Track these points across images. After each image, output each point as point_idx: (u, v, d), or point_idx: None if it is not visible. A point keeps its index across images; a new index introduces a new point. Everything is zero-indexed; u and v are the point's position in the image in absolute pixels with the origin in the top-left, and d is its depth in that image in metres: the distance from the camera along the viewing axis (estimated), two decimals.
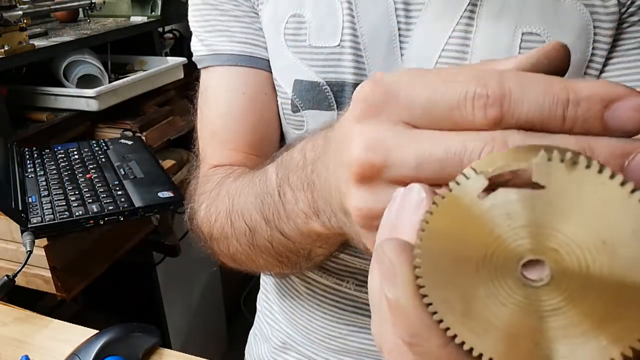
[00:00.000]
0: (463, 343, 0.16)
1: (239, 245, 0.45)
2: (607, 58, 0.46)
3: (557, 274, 0.15)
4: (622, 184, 0.15)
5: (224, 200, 0.46)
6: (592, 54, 0.46)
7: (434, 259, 0.16)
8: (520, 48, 0.45)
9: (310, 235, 0.35)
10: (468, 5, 0.46)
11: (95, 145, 1.13)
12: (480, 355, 0.16)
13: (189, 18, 0.57)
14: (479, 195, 0.15)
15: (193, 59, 0.58)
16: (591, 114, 0.18)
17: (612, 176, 0.15)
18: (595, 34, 0.45)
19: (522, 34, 0.45)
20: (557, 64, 0.21)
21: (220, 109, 0.55)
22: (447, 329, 0.16)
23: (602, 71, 0.47)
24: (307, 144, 0.33)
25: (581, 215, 0.15)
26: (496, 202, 0.15)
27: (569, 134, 0.19)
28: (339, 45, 0.49)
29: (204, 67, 0.56)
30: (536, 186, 0.15)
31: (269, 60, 0.54)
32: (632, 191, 0.14)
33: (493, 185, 0.15)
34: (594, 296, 0.15)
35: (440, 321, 0.16)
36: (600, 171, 0.15)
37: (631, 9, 0.44)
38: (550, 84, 0.19)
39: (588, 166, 0.15)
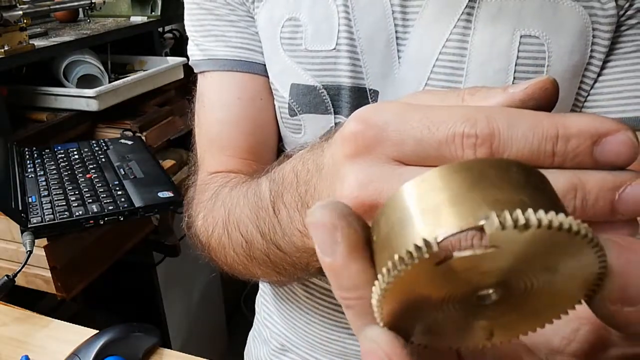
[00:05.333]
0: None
1: (236, 256, 0.45)
2: (605, 61, 0.46)
3: (505, 294, 0.16)
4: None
5: (220, 211, 0.46)
6: (591, 57, 0.46)
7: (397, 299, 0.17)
8: (518, 51, 0.45)
9: (307, 251, 0.35)
10: (465, 8, 0.46)
11: (95, 145, 1.13)
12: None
13: (185, 22, 0.57)
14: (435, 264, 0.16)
15: (189, 63, 0.58)
16: (581, 150, 0.18)
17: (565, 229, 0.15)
18: (594, 37, 0.45)
19: (521, 36, 0.45)
20: (548, 99, 0.21)
21: (216, 115, 0.55)
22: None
23: (599, 74, 0.47)
24: (298, 163, 0.33)
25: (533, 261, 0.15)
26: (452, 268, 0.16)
27: (559, 169, 0.19)
28: (335, 49, 0.48)
29: (201, 72, 0.56)
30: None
31: (264, 65, 0.54)
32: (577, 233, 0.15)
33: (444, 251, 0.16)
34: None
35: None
36: (549, 227, 0.15)
37: (629, 12, 0.44)
38: (538, 121, 0.19)
39: (539, 226, 0.15)
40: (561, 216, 0.15)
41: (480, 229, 0.15)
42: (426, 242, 0.15)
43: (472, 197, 0.16)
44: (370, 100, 0.49)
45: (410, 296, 0.16)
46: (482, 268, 0.15)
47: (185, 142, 1.34)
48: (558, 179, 0.18)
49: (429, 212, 0.16)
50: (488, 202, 0.15)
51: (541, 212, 0.15)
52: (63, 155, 1.06)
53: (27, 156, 1.05)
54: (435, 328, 0.17)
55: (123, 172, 1.01)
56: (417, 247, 0.15)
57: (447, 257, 0.15)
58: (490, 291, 0.16)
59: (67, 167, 1.02)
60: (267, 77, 0.54)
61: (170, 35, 1.76)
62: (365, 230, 0.18)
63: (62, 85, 1.27)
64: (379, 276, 0.16)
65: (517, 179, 0.16)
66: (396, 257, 0.15)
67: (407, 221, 0.16)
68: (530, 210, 0.15)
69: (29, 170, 1.00)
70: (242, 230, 0.42)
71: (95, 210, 0.86)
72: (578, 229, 0.15)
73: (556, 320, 0.17)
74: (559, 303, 0.17)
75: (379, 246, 0.17)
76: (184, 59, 1.42)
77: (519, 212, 0.15)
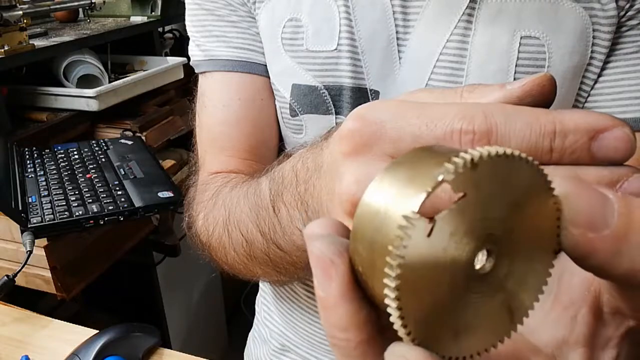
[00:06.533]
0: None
1: (236, 256, 0.45)
2: (606, 62, 0.46)
3: (498, 251, 0.17)
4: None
5: (220, 211, 0.47)
6: (591, 57, 0.46)
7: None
8: (519, 52, 0.45)
9: (307, 250, 0.35)
10: (466, 8, 0.46)
11: (95, 145, 1.13)
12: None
13: (186, 22, 0.57)
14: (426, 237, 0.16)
15: (190, 63, 0.58)
16: (578, 145, 0.19)
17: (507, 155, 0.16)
18: (594, 37, 0.45)
19: (521, 37, 0.45)
20: (545, 96, 0.21)
21: (216, 116, 0.55)
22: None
23: (600, 75, 0.47)
24: (297, 162, 0.33)
25: (500, 196, 0.16)
26: (438, 239, 0.16)
27: (557, 165, 0.19)
28: (336, 49, 0.49)
29: (201, 72, 0.57)
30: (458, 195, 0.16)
31: (265, 65, 0.54)
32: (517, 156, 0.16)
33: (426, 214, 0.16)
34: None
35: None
36: (496, 155, 0.16)
37: (630, 13, 0.44)
38: (536, 117, 0.19)
39: (488, 156, 0.16)
40: (501, 147, 0.16)
41: (443, 184, 0.15)
42: (406, 217, 0.15)
43: (424, 168, 0.17)
44: (371, 100, 0.49)
45: (421, 292, 0.16)
46: (464, 225, 0.16)
47: (185, 142, 1.34)
48: (556, 175, 0.18)
49: (397, 199, 0.16)
50: (439, 163, 0.16)
51: (483, 148, 0.16)
52: (63, 155, 1.06)
53: (27, 156, 1.05)
54: (460, 327, 0.17)
55: (123, 172, 1.01)
56: (402, 226, 0.15)
57: (432, 223, 0.15)
58: (484, 255, 0.17)
59: (67, 167, 1.01)
60: (268, 77, 0.54)
61: (170, 35, 1.76)
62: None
63: (62, 85, 1.27)
64: (386, 290, 0.16)
65: (447, 149, 0.18)
66: (390, 247, 0.16)
67: (380, 222, 0.17)
68: (470, 150, 0.16)
69: (29, 170, 1.00)
70: (243, 229, 0.42)
71: (95, 210, 0.86)
72: (519, 154, 0.16)
73: (552, 268, 0.18)
74: (544, 244, 0.17)
75: (364, 272, 0.17)
76: (184, 59, 1.42)
77: (463, 154, 0.15)
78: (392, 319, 0.16)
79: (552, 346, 0.21)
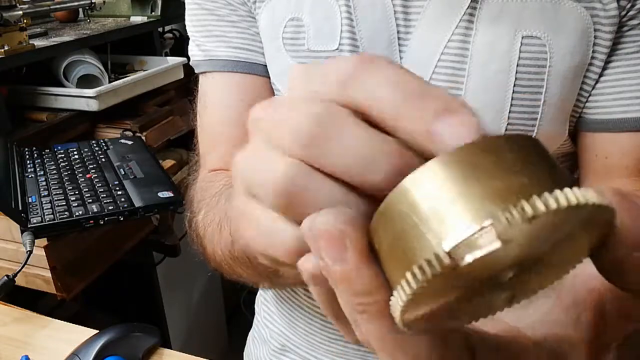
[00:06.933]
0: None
1: (222, 255, 0.45)
2: (607, 62, 0.46)
3: (523, 267, 0.17)
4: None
5: (221, 208, 0.47)
6: (592, 57, 0.46)
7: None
8: (520, 52, 0.45)
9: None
10: (467, 8, 0.46)
11: (95, 145, 1.13)
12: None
13: (186, 22, 0.57)
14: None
15: (190, 63, 0.58)
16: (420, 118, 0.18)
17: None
18: (595, 37, 0.45)
19: (522, 37, 0.45)
20: None
21: (217, 116, 0.55)
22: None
23: (601, 75, 0.47)
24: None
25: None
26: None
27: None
28: (337, 49, 0.48)
29: (202, 72, 0.57)
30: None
31: (265, 66, 0.54)
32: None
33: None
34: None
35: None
36: (557, 210, 0.15)
37: (631, 12, 0.44)
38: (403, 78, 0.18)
39: (546, 212, 0.14)
40: (564, 194, 0.14)
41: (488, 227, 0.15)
42: (437, 256, 0.15)
43: (471, 193, 0.15)
44: None
45: (430, 301, 0.16)
46: (497, 260, 0.15)
47: (185, 142, 1.34)
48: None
49: (433, 218, 0.15)
50: (489, 196, 0.15)
51: (546, 197, 0.14)
52: (63, 155, 1.06)
53: (27, 156, 1.05)
54: (456, 314, 0.17)
55: (123, 172, 1.01)
56: (429, 262, 0.15)
57: (460, 262, 0.15)
58: (508, 274, 0.16)
59: (67, 167, 1.01)
60: (268, 77, 0.54)
61: (170, 35, 1.76)
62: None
63: (62, 85, 1.27)
64: (398, 291, 0.16)
65: (511, 158, 0.16)
66: (408, 274, 0.15)
67: (411, 231, 0.16)
68: (534, 198, 0.14)
69: (29, 170, 1.00)
70: (232, 228, 0.42)
71: (95, 210, 0.86)
72: (585, 202, 0.14)
73: (566, 274, 0.18)
74: (573, 258, 0.18)
75: (386, 255, 0.17)
76: (184, 59, 1.41)
77: (524, 203, 0.14)
78: (393, 304, 0.16)
79: (552, 341, 0.21)
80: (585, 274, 0.20)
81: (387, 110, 0.18)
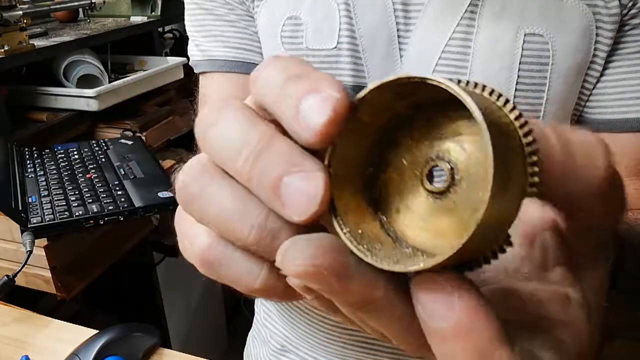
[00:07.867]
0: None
1: None
2: (609, 61, 0.46)
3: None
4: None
5: None
6: (594, 55, 0.45)
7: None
8: (522, 49, 0.45)
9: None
10: (469, 5, 0.45)
11: (95, 145, 1.13)
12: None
13: (185, 22, 0.57)
14: None
15: (190, 63, 0.58)
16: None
17: None
18: (597, 35, 0.45)
19: (525, 34, 0.45)
20: None
21: None
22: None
23: (602, 74, 0.47)
24: None
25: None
26: None
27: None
28: (336, 47, 0.48)
29: (201, 72, 0.56)
30: None
31: None
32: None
33: None
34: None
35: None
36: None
37: (633, 11, 0.44)
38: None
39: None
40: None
41: None
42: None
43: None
44: None
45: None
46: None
47: (185, 142, 1.34)
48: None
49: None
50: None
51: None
52: (63, 155, 1.06)
53: (27, 156, 1.05)
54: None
55: (123, 172, 1.01)
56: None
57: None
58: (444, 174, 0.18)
59: (67, 167, 1.01)
60: None
61: (170, 35, 1.76)
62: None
63: (62, 85, 1.27)
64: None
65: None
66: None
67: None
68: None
69: (29, 170, 1.00)
70: None
71: (95, 210, 0.86)
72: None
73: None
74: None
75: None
76: (184, 59, 1.42)
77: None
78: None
79: (522, 269, 0.21)
80: (528, 217, 0.20)
81: (268, 99, 0.18)
